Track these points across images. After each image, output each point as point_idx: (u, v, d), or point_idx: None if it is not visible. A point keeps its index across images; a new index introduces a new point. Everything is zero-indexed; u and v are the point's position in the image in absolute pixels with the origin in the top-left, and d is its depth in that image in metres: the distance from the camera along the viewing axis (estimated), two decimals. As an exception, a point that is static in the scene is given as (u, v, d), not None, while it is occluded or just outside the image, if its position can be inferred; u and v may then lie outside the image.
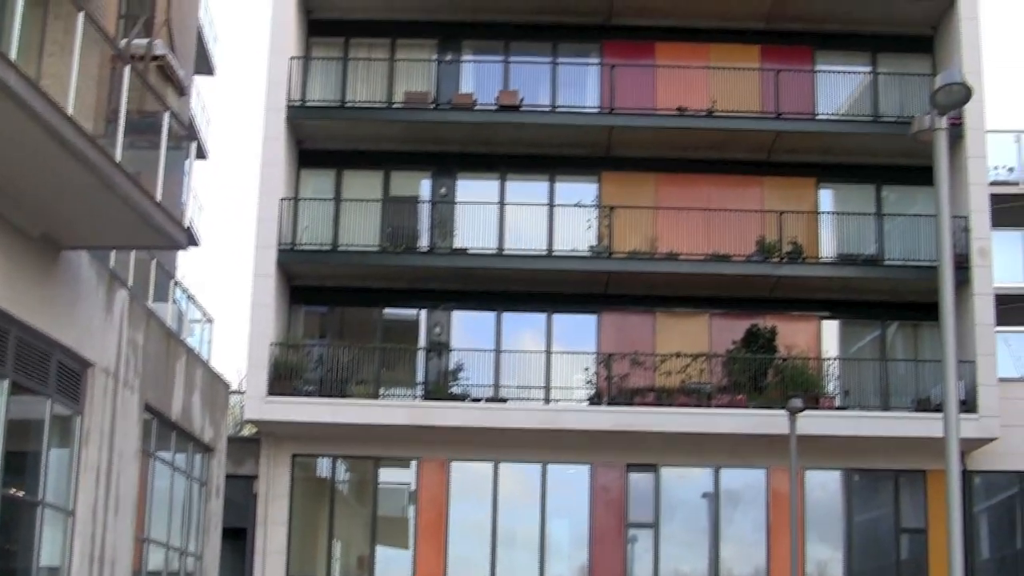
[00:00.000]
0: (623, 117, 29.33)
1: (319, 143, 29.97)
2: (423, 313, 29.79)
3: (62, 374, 16.37)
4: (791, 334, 29.18)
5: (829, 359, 29.25)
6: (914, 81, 29.71)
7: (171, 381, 20.92)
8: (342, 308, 30.07)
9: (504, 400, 28.41)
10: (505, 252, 29.20)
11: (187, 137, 18.01)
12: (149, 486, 20.20)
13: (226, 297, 76.86)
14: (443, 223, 29.59)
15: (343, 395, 28.03)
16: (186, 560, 22.22)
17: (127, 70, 15.41)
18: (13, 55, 12.17)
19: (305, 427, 27.70)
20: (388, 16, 30.47)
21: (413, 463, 28.83)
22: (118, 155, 14.54)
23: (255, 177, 29.50)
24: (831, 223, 29.97)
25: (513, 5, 30.12)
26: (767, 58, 30.43)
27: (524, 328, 29.72)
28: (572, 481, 28.64)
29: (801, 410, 25.81)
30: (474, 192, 29.88)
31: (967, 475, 27.92)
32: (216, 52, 42.54)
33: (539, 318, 29.68)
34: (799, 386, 27.70)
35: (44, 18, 13.73)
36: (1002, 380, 28.12)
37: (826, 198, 30.49)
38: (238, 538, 27.64)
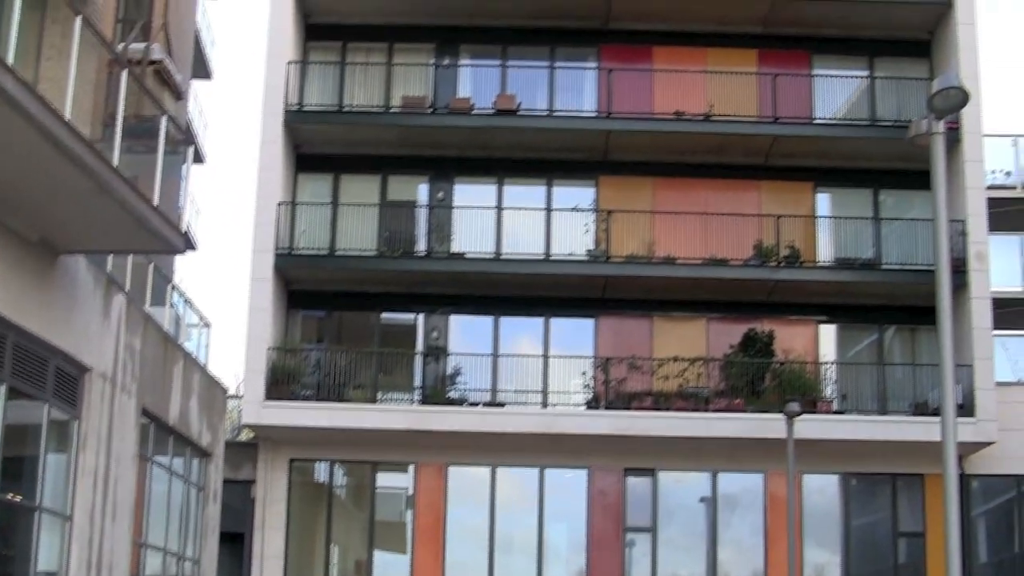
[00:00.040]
0: (620, 121, 29.34)
1: (316, 147, 29.98)
2: (420, 317, 29.79)
3: (59, 379, 16.35)
4: (788, 338, 29.20)
5: (826, 363, 29.26)
6: (911, 85, 29.75)
7: (168, 386, 20.90)
8: (339, 312, 30.07)
9: (502, 404, 28.41)
10: (502, 256, 29.22)
11: (184, 141, 17.99)
12: (147, 491, 20.17)
13: (223, 301, 76.64)
14: (440, 227, 29.60)
15: (341, 399, 28.01)
16: (184, 565, 22.19)
17: (124, 74, 15.40)
18: (10, 59, 12.17)
19: (303, 432, 27.69)
20: (385, 20, 30.48)
21: (411, 467, 28.83)
22: (115, 159, 14.53)
23: (252, 181, 29.56)
24: (828, 227, 30.01)
25: (510, 9, 30.13)
26: (764, 62, 30.45)
27: (521, 332, 29.72)
28: (570, 485, 28.64)
29: (799, 414, 25.81)
30: (471, 196, 29.88)
31: (965, 479, 27.92)
32: (214, 56, 42.56)
33: (536, 322, 29.68)
34: (797, 390, 27.71)
35: (41, 22, 13.72)
36: (999, 384, 28.15)
37: (823, 202, 30.51)
38: (236, 543, 27.62)
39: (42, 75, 13.51)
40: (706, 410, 27.92)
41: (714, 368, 28.71)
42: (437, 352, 29.28)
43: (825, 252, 29.67)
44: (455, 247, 29.32)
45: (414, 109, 29.49)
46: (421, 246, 29.52)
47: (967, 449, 27.28)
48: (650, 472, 28.57)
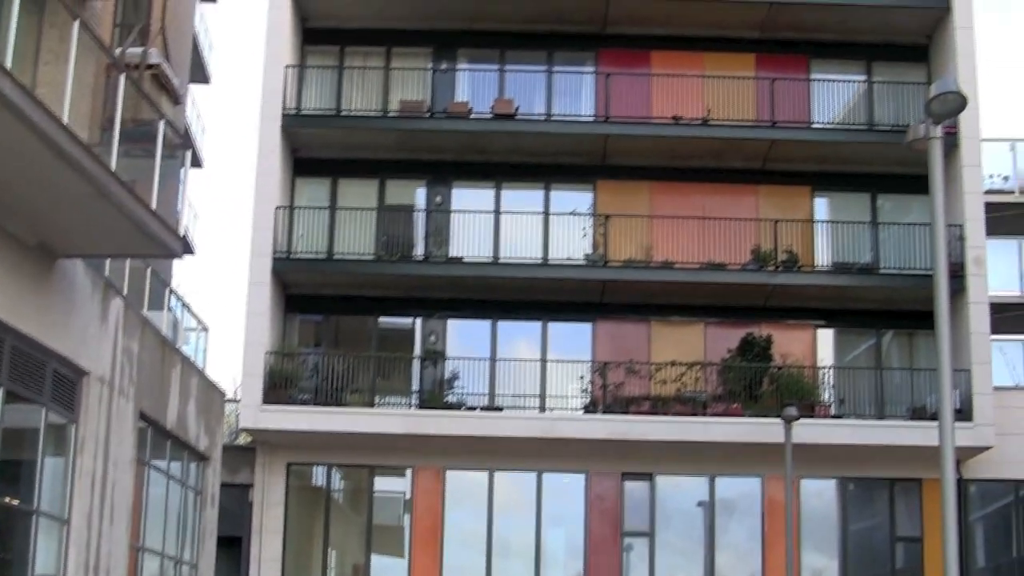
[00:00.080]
0: (618, 126, 29.35)
1: (314, 151, 29.98)
2: (418, 322, 29.79)
3: (57, 383, 16.35)
4: (786, 343, 29.19)
5: (824, 368, 29.26)
6: (909, 90, 29.75)
7: (166, 389, 20.89)
8: (337, 316, 30.07)
9: (499, 409, 28.40)
10: (500, 261, 29.21)
11: (182, 145, 18.00)
12: (144, 495, 20.16)
13: (221, 305, 76.83)
14: (438, 232, 29.60)
15: (338, 404, 28.01)
16: (181, 569, 22.17)
17: (122, 78, 15.41)
18: (8, 63, 12.17)
19: (300, 436, 27.68)
20: (383, 25, 30.49)
21: (408, 472, 28.81)
22: (113, 164, 14.53)
23: (250, 185, 29.49)
24: (826, 232, 30.00)
25: (508, 14, 30.13)
26: (762, 67, 30.46)
27: (519, 337, 29.71)
28: (567, 490, 28.62)
29: (796, 418, 25.81)
30: (469, 201, 29.89)
31: (962, 484, 27.91)
32: (212, 60, 42.61)
33: (534, 327, 29.67)
34: (794, 395, 27.71)
35: (40, 26, 13.75)
36: (997, 389, 28.15)
37: (821, 207, 30.51)
38: (233, 547, 27.60)
39: (40, 79, 13.54)
40: (704, 414, 27.93)
41: (712, 372, 28.70)
42: (435, 356, 29.28)
43: (823, 256, 29.66)
44: (453, 251, 29.31)
45: (412, 113, 29.51)
46: (419, 250, 29.53)
47: (965, 454, 27.28)
48: (648, 476, 28.56)
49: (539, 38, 30.55)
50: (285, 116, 28.99)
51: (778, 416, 26.22)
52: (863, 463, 28.23)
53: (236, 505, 27.54)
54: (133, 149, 15.76)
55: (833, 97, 30.47)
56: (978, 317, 28.06)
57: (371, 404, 28.52)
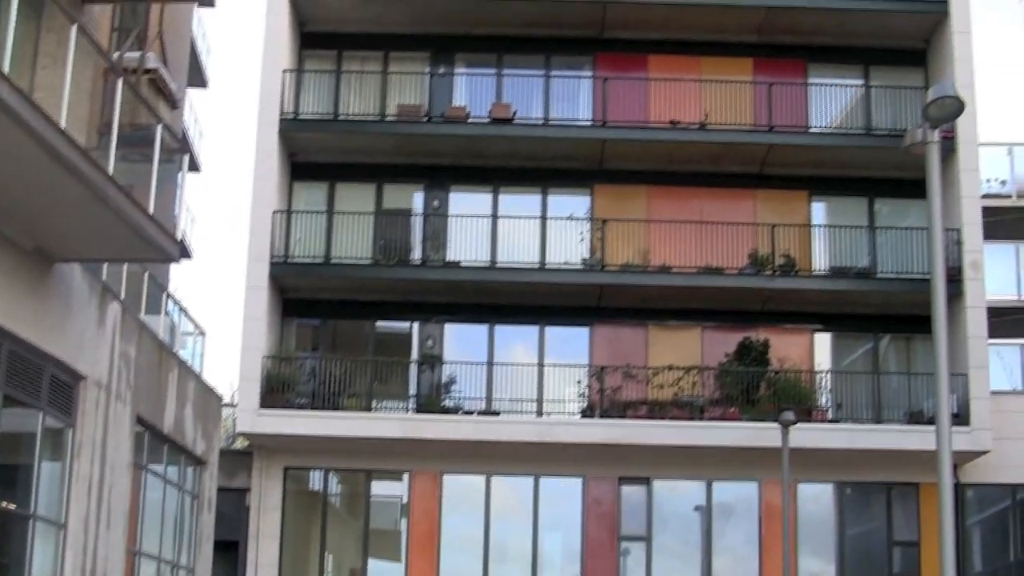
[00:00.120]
0: (616, 130, 29.36)
1: (312, 156, 29.98)
2: (415, 326, 29.78)
3: (54, 387, 16.33)
4: (783, 347, 29.19)
5: (821, 372, 29.27)
6: (907, 94, 29.77)
7: (163, 394, 20.88)
8: (334, 321, 30.06)
9: (496, 413, 28.39)
10: (498, 265, 29.20)
11: (180, 150, 18.00)
12: (141, 499, 20.14)
13: (219, 310, 76.86)
14: (436, 236, 29.61)
15: (335, 408, 28.01)
16: (178, 573, 22.14)
17: (120, 83, 15.40)
18: (6, 67, 12.16)
19: (297, 440, 27.66)
20: (381, 29, 30.49)
21: (405, 476, 28.80)
22: (111, 168, 14.52)
23: (248, 189, 29.57)
24: (824, 236, 30.01)
25: (506, 18, 30.14)
26: (760, 71, 30.48)
27: (516, 341, 29.71)
28: (565, 494, 28.61)
29: (793, 423, 25.81)
30: (467, 205, 29.89)
31: (960, 488, 27.92)
32: (209, 65, 42.53)
33: (531, 331, 29.66)
34: (791, 399, 27.70)
35: (37, 31, 13.74)
36: (994, 393, 28.16)
37: (819, 211, 30.52)
38: (230, 551, 27.59)
39: (38, 83, 13.53)
40: (701, 419, 27.93)
41: (709, 377, 28.71)
42: (432, 360, 29.27)
43: (820, 261, 29.66)
44: (450, 256, 29.32)
45: (409, 118, 29.51)
46: (416, 254, 29.53)
47: (962, 458, 27.29)
48: (645, 481, 28.56)
49: (537, 42, 30.57)
50: (283, 120, 29.00)
51: (775, 420, 26.21)
52: (860, 467, 28.23)
53: (233, 509, 27.53)
54: (130, 153, 15.74)
55: (831, 101, 30.49)
56: (975, 321, 28.08)
57: (368, 408, 28.52)
